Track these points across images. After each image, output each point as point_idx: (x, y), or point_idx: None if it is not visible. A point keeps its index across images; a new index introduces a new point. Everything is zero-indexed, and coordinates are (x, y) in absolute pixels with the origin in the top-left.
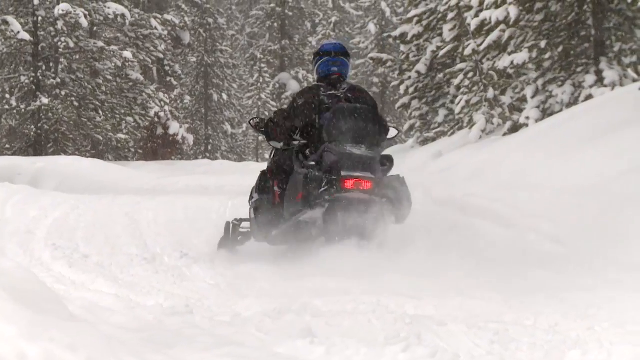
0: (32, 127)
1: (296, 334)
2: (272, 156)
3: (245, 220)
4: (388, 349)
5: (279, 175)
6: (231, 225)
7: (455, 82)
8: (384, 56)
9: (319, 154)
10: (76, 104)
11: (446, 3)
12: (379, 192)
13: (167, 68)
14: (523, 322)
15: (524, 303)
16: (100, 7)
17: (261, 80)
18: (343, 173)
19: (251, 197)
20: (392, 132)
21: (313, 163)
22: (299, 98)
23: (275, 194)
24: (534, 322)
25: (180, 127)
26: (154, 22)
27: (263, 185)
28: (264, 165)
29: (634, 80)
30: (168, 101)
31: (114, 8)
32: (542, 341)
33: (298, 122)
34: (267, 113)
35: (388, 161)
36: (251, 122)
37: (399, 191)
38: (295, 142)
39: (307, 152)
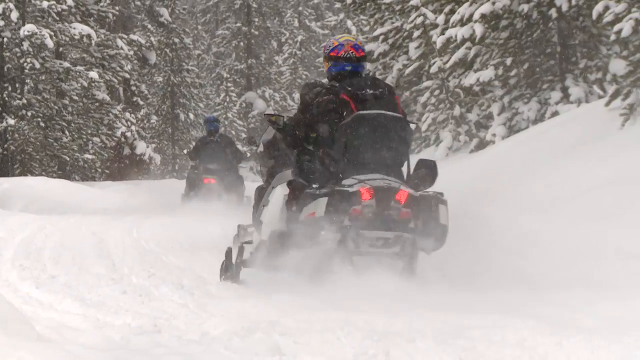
0: None
1: (264, 352)
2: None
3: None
4: None
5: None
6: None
7: (422, 99)
8: None
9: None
10: (42, 124)
11: (412, 21)
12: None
13: (133, 88)
14: (491, 337)
15: (492, 319)
16: (66, 27)
17: (228, 100)
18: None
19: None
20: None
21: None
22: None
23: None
24: (502, 337)
25: (147, 146)
26: (120, 42)
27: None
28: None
29: (600, 97)
30: (135, 121)
31: (79, 28)
32: (510, 357)
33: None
34: (233, 132)
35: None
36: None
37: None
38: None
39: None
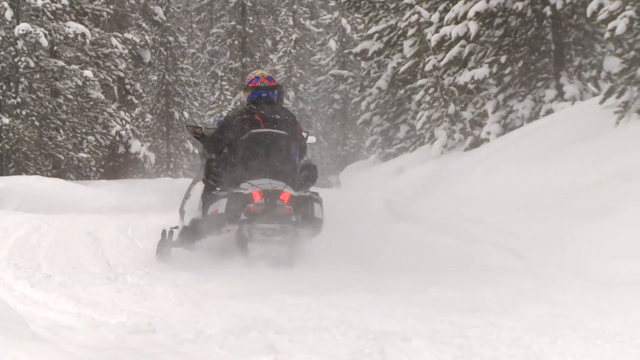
0: None
1: (259, 350)
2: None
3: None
4: None
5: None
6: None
7: (416, 97)
8: (345, 73)
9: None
10: (37, 123)
11: (406, 19)
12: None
13: (128, 87)
14: (486, 336)
15: (487, 317)
16: (60, 26)
17: (222, 98)
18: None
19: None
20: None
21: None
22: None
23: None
24: (497, 336)
25: (142, 145)
26: (114, 41)
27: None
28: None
29: (594, 94)
30: (129, 120)
31: (74, 27)
32: (506, 355)
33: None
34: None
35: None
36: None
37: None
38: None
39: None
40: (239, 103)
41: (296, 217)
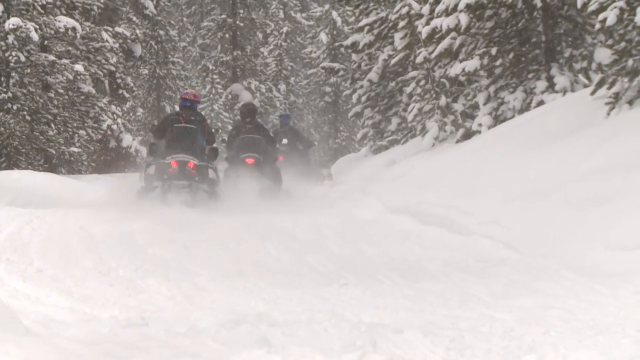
0: None
1: (252, 344)
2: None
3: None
4: (344, 357)
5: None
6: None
7: (408, 90)
8: (336, 65)
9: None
10: (28, 118)
11: (397, 11)
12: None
13: (119, 81)
14: (478, 328)
15: (479, 309)
16: (50, 20)
17: (214, 92)
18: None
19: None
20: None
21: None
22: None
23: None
24: (490, 328)
25: (133, 139)
26: (105, 35)
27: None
28: None
29: (585, 86)
30: (120, 114)
31: (64, 21)
32: (498, 347)
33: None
34: (220, 124)
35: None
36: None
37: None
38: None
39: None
40: (230, 97)
41: (198, 177)
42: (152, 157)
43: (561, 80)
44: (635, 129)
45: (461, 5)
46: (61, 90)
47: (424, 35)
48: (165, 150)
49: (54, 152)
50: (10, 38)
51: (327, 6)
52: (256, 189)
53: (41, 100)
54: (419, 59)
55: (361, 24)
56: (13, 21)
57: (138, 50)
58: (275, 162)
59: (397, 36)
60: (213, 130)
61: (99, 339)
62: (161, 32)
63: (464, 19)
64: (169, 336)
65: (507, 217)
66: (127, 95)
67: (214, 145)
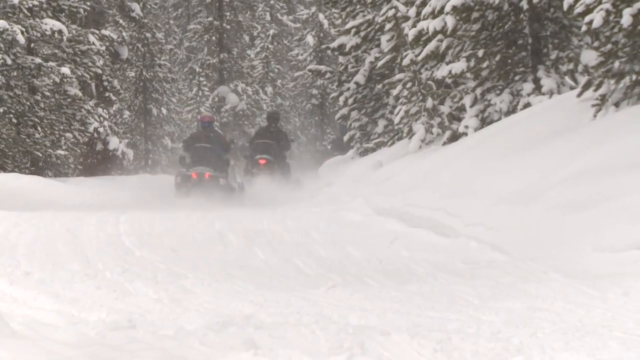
0: None
1: (239, 346)
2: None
3: None
4: (332, 359)
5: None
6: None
7: (394, 92)
8: (323, 68)
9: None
10: (15, 120)
11: (383, 14)
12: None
13: (105, 83)
14: (466, 330)
15: (466, 311)
16: (37, 23)
17: (200, 94)
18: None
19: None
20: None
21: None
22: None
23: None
24: (477, 329)
25: (120, 142)
26: (91, 38)
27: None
28: None
29: (572, 88)
30: (107, 116)
31: (50, 24)
32: (485, 349)
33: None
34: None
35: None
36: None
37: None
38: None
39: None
40: (216, 99)
41: (213, 184)
42: (181, 168)
43: (548, 83)
44: (622, 131)
45: (447, 8)
46: (48, 93)
47: (410, 38)
48: (190, 163)
49: (40, 155)
50: None
51: (313, 9)
52: (267, 182)
53: (27, 103)
54: (406, 62)
55: (348, 26)
56: None
57: (125, 53)
58: (285, 159)
59: (384, 39)
60: (228, 139)
61: (87, 342)
62: (148, 35)
63: (450, 21)
64: (156, 339)
65: (494, 219)
66: (113, 97)
67: (228, 155)
